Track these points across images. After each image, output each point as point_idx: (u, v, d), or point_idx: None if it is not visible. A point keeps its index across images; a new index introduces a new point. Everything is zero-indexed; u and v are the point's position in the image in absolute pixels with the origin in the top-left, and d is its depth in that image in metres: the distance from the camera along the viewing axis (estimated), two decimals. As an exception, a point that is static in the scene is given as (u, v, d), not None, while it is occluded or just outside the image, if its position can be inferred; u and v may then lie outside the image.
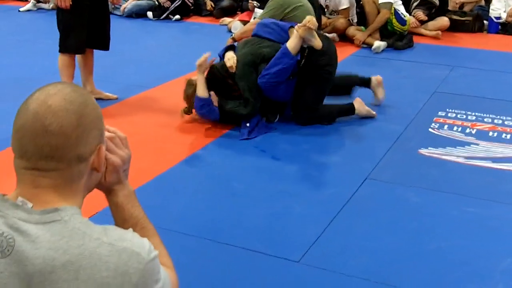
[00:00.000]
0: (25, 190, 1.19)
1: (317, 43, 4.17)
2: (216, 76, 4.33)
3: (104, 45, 4.66)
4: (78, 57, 4.61)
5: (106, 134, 1.35)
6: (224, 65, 4.30)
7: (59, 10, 4.36)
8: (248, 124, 4.16)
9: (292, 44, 4.17)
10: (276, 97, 4.30)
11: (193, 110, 4.34)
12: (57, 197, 1.20)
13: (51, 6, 8.46)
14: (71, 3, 4.26)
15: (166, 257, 1.41)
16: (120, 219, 1.40)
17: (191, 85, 4.30)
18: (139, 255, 1.17)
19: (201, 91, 4.20)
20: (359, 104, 4.46)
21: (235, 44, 4.72)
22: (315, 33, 4.23)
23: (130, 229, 1.25)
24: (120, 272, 1.14)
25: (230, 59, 4.27)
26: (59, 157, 1.19)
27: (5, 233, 1.14)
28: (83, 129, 1.20)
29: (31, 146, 1.18)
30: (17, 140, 1.19)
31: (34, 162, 1.18)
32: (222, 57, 4.43)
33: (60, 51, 4.46)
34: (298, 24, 4.21)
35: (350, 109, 4.43)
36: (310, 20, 4.14)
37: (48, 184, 1.19)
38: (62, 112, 1.18)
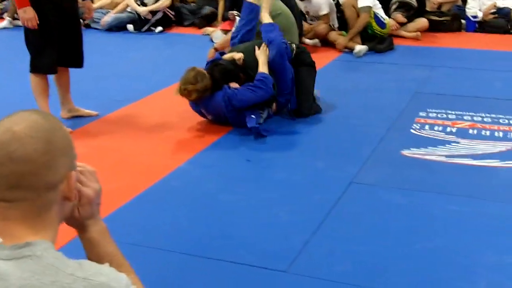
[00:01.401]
0: None
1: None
2: (228, 69, 4.40)
3: (77, 63, 4.56)
4: (53, 76, 4.51)
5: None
6: (231, 61, 4.44)
7: (26, 29, 4.25)
8: (262, 113, 4.28)
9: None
10: (285, 79, 4.50)
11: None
12: (27, 229, 1.14)
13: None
14: (38, 22, 4.16)
15: None
16: (94, 256, 1.35)
17: (195, 69, 4.33)
18: None
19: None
20: None
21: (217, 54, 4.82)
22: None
23: (106, 264, 1.21)
24: None
25: (236, 54, 4.46)
26: (26, 186, 1.14)
27: None
28: (51, 156, 1.16)
29: (9, 174, 1.13)
30: None
31: (0, 192, 1.13)
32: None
33: (31, 71, 4.36)
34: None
35: None
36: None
37: (17, 216, 1.14)
38: (28, 138, 1.14)
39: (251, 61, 4.48)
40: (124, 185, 3.52)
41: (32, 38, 4.28)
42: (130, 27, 8.27)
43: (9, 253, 1.10)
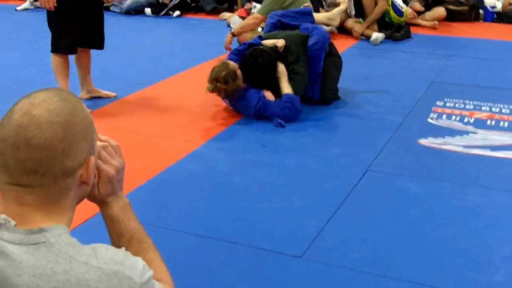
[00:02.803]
0: (9, 207, 1.11)
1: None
2: (268, 59, 4.35)
3: (98, 45, 4.61)
4: (74, 56, 4.58)
5: (98, 143, 1.28)
6: (272, 47, 4.40)
7: (48, 10, 4.30)
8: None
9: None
10: (316, 70, 4.50)
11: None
12: (43, 215, 1.12)
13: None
14: (55, 4, 4.19)
15: (164, 273, 1.34)
16: (115, 233, 1.34)
17: (227, 68, 4.24)
18: (131, 279, 1.10)
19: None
20: None
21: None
22: None
23: (123, 249, 1.18)
24: None
25: (278, 41, 4.41)
26: (43, 172, 1.10)
27: None
28: (70, 142, 1.12)
29: (13, 160, 1.09)
30: None
31: (17, 177, 1.10)
32: (238, 56, 4.47)
33: (52, 51, 4.42)
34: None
35: None
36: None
37: (32, 201, 1.11)
38: (46, 124, 1.10)
39: (293, 49, 4.44)
40: (141, 166, 3.55)
41: (53, 18, 4.32)
42: (148, 10, 8.29)
43: (22, 238, 1.07)
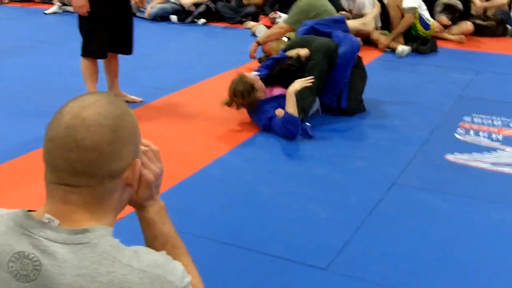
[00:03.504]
0: (55, 206, 1.13)
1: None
2: (293, 71, 4.39)
3: (127, 50, 4.67)
4: (102, 61, 4.63)
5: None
6: (296, 58, 4.43)
7: (80, 15, 4.37)
8: (308, 122, 4.25)
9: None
10: (342, 79, 4.50)
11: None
12: (87, 214, 1.13)
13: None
14: (89, 9, 4.26)
15: (197, 278, 1.35)
16: (150, 236, 1.35)
17: (245, 83, 4.26)
18: (172, 284, 1.11)
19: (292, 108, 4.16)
20: None
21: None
22: None
23: (163, 252, 1.20)
24: None
25: (301, 50, 4.44)
26: (91, 174, 1.12)
27: (31, 255, 1.07)
28: (118, 145, 1.14)
29: (62, 160, 1.11)
30: (47, 152, 1.13)
31: (64, 177, 1.12)
32: (266, 69, 4.51)
33: (82, 55, 4.48)
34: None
35: None
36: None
37: (77, 201, 1.13)
38: (96, 126, 1.12)
39: (316, 58, 4.43)
40: (166, 171, 3.50)
41: (84, 23, 4.38)
42: (173, 18, 8.34)
43: (66, 237, 1.08)
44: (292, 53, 4.51)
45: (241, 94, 4.25)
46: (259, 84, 4.33)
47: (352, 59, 4.53)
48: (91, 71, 4.48)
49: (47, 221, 1.10)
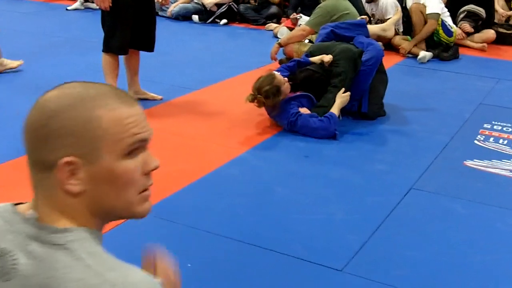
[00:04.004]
0: (34, 197, 1.07)
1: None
2: (315, 78, 4.41)
3: (149, 47, 4.68)
4: (123, 57, 4.65)
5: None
6: (319, 64, 4.44)
7: (103, 11, 4.39)
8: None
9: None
10: (365, 85, 4.53)
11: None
12: (54, 211, 1.05)
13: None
14: (111, 4, 4.27)
15: None
16: None
17: (272, 83, 4.20)
18: None
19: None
20: None
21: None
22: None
23: (158, 280, 1.08)
24: None
25: (325, 56, 4.43)
26: (29, 153, 1.05)
27: (12, 253, 1.02)
28: (49, 131, 1.02)
29: (25, 140, 1.05)
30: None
31: (30, 160, 1.06)
32: (288, 71, 4.52)
33: (103, 50, 4.51)
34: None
35: None
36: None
37: (45, 191, 1.05)
38: (41, 106, 1.05)
39: (340, 64, 4.44)
40: (184, 169, 3.57)
41: (107, 19, 4.41)
42: (195, 17, 8.37)
43: (46, 237, 1.02)
44: (316, 59, 4.51)
45: (266, 94, 4.17)
46: (286, 86, 4.28)
47: (376, 66, 4.51)
48: (111, 66, 4.50)
49: (30, 217, 1.05)
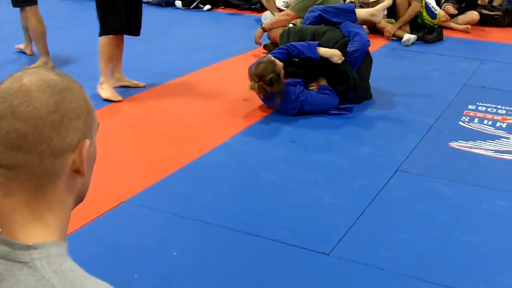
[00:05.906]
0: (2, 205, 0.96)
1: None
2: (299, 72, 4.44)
3: (135, 31, 4.68)
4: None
5: None
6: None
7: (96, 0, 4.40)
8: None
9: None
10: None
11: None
12: (29, 213, 0.96)
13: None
14: None
15: None
16: None
17: (272, 69, 4.12)
18: None
19: None
20: None
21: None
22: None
23: None
24: None
25: (335, 55, 4.34)
26: (27, 147, 0.93)
27: None
28: (60, 115, 0.95)
29: (20, 137, 0.93)
30: None
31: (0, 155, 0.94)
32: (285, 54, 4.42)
33: (100, 34, 4.48)
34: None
35: None
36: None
37: (18, 191, 0.95)
38: (37, 92, 0.95)
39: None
40: (169, 156, 3.55)
41: (100, 2, 4.43)
42: (178, 3, 8.28)
43: (8, 252, 0.93)
44: (329, 54, 4.38)
45: (270, 81, 4.08)
46: (283, 73, 4.23)
47: (361, 58, 4.48)
48: (107, 51, 4.48)
49: None
